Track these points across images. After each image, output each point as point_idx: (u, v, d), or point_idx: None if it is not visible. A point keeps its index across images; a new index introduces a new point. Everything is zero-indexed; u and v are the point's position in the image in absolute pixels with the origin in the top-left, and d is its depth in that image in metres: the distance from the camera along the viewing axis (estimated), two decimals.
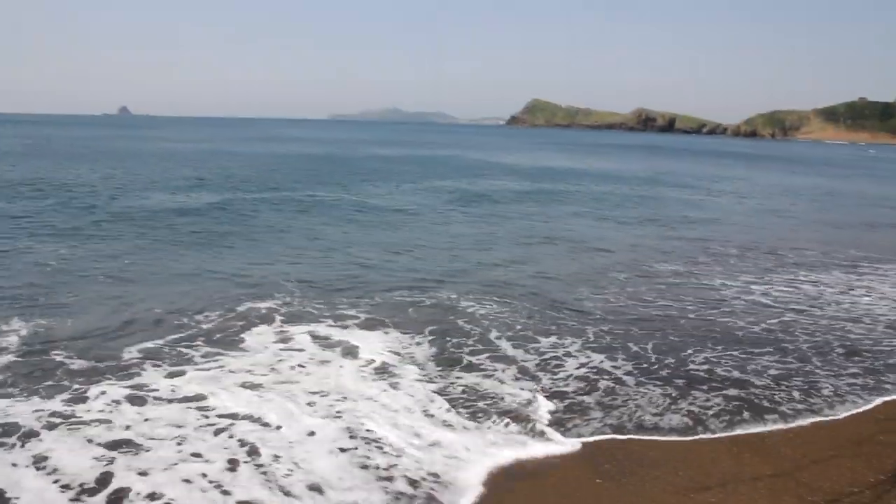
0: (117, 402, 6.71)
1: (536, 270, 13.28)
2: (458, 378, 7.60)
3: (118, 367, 7.64)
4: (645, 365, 8.28)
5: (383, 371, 7.78)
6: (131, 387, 7.09)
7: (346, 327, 9.31)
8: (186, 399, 6.84)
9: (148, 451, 5.67)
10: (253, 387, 7.23)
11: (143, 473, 5.32)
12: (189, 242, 15.17)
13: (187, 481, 5.24)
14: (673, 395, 7.36)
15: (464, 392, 7.19)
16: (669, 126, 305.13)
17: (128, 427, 6.12)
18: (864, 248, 17.49)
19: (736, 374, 8.04)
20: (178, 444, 5.90)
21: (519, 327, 9.51)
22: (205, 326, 9.16)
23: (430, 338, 8.91)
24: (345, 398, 6.94)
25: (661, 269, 13.84)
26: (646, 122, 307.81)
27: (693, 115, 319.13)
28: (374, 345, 8.50)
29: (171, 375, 7.43)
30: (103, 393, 6.90)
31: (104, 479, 5.22)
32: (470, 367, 7.99)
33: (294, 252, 14.46)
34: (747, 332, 9.66)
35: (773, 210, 26.09)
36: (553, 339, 9.16)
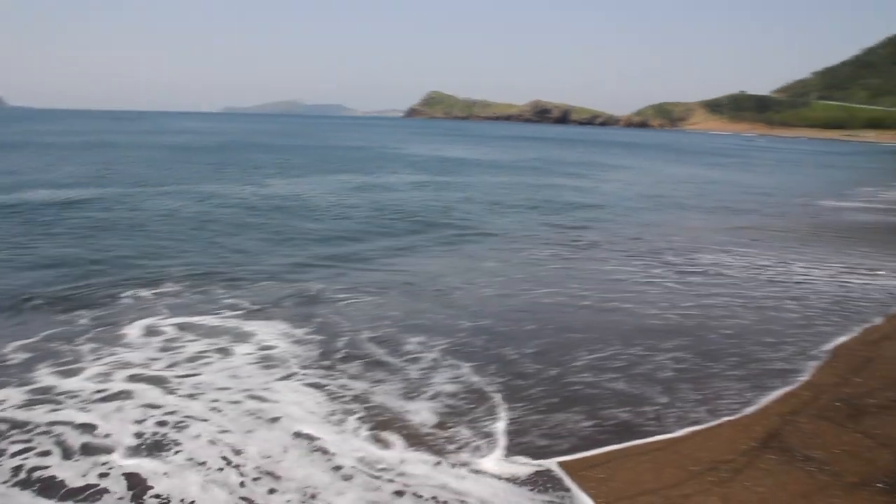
0: None
1: (415, 260, 12.87)
2: (329, 379, 6.96)
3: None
4: (516, 374, 7.62)
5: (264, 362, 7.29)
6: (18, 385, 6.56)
7: (223, 317, 8.87)
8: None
9: None
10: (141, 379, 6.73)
11: None
12: (70, 234, 14.17)
13: None
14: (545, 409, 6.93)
15: (333, 398, 6.51)
16: (564, 117, 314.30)
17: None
18: (732, 233, 18.11)
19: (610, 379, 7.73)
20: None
21: (388, 323, 8.92)
22: (86, 319, 8.64)
23: (305, 334, 8.28)
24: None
25: (542, 255, 13.69)
26: (541, 114, 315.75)
27: (587, 106, 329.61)
28: (243, 347, 7.79)
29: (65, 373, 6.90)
30: None
31: None
32: (334, 370, 7.17)
33: (175, 243, 13.63)
34: (618, 324, 9.46)
35: (657, 195, 26.82)
36: (421, 337, 8.33)
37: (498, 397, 6.60)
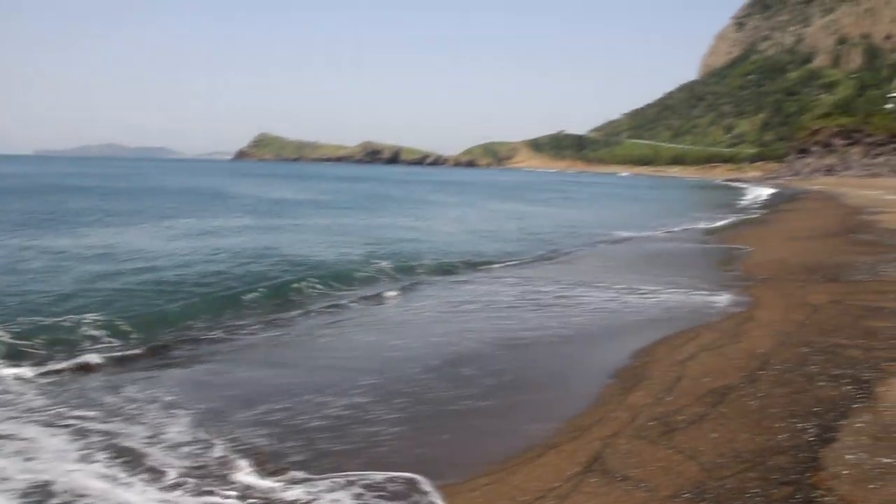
0: None
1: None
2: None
3: None
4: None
5: None
6: None
7: None
8: None
9: None
10: None
11: None
12: None
13: None
14: None
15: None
16: (395, 158, 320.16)
17: None
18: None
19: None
20: None
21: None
22: None
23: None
24: None
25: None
26: (372, 155, 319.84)
27: (417, 147, 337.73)
28: None
29: None
30: None
31: None
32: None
33: None
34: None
35: (482, 231, 27.92)
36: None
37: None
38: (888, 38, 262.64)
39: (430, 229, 28.21)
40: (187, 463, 6.04)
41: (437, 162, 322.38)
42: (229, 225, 27.13)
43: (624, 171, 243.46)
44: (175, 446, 6.38)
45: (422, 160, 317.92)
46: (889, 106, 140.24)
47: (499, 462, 6.14)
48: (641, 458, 5.98)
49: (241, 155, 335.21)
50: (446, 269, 17.25)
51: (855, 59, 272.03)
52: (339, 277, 15.27)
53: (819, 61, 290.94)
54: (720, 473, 5.54)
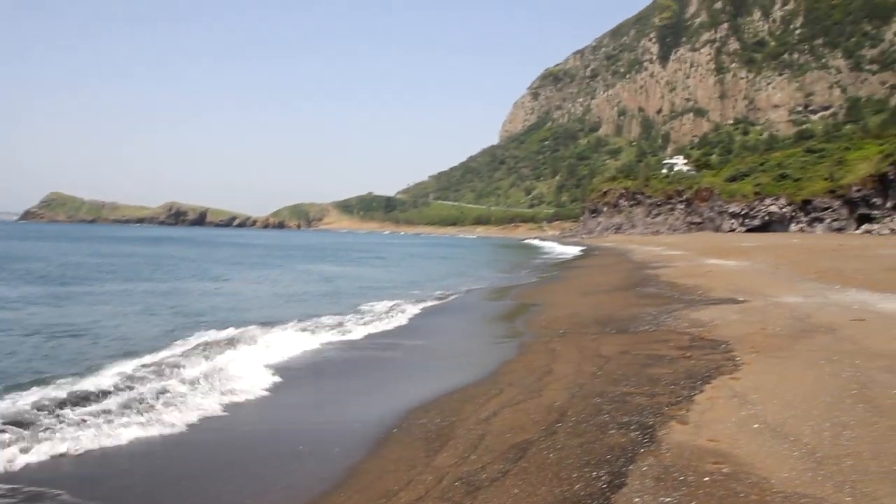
0: None
1: None
2: None
3: None
4: None
5: None
6: None
7: None
8: None
9: None
10: None
11: None
12: None
13: None
14: None
15: None
16: (201, 219, 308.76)
17: None
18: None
19: None
20: None
21: None
22: None
23: None
24: None
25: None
26: (177, 216, 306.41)
27: (224, 208, 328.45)
28: None
29: None
30: None
31: None
32: None
33: None
34: None
35: (287, 294, 27.42)
36: None
37: None
38: (659, 112, 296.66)
39: (232, 292, 27.20)
40: None
41: (246, 223, 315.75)
42: (9, 295, 24.40)
43: (437, 232, 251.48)
44: None
45: (229, 222, 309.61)
46: (664, 171, 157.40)
47: None
48: None
49: (28, 215, 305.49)
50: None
51: (634, 129, 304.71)
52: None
53: (604, 130, 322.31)
54: None
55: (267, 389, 11.34)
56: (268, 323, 18.29)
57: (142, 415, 9.47)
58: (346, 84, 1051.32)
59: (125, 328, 17.68)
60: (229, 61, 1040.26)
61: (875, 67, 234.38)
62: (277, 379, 12.01)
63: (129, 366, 12.15)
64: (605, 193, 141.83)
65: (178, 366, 12.38)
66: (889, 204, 76.41)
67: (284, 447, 8.58)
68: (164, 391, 10.60)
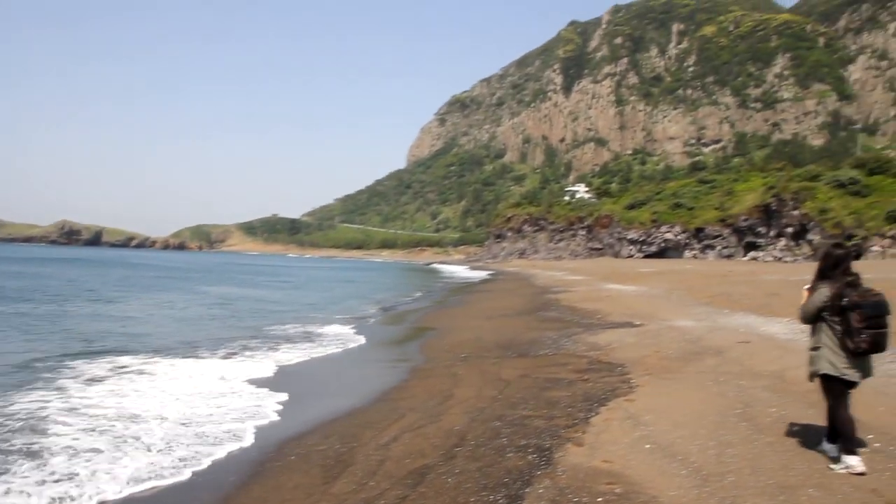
0: None
1: None
2: None
3: None
4: None
5: None
6: None
7: None
8: None
9: None
10: None
11: None
12: None
13: None
14: None
15: None
16: (97, 239, 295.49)
17: None
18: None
19: None
20: None
21: None
22: None
23: None
24: None
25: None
26: (70, 235, 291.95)
27: (122, 228, 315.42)
28: None
29: None
30: None
31: None
32: None
33: None
34: None
35: (187, 318, 26.47)
36: None
37: None
38: (562, 140, 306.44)
39: (119, 316, 26.01)
40: None
41: (145, 244, 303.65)
42: None
43: (343, 255, 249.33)
44: None
45: (127, 242, 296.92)
46: (566, 198, 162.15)
47: None
48: None
49: None
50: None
51: (538, 157, 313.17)
52: None
53: (509, 157, 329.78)
54: None
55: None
56: (161, 351, 17.57)
57: None
58: (251, 105, 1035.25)
59: None
60: (126, 68, 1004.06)
61: (759, 105, 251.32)
62: None
63: None
64: (509, 219, 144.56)
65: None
66: (772, 233, 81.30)
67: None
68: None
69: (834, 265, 7.14)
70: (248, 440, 9.81)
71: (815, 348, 7.20)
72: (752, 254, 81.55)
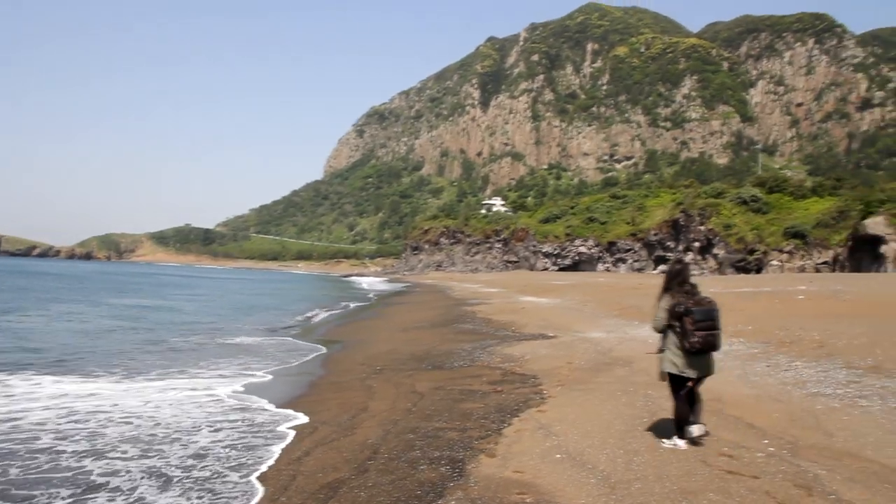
0: None
1: None
2: None
3: None
4: None
5: None
6: None
7: None
8: None
9: None
10: None
11: None
12: None
13: None
14: None
15: None
16: None
17: None
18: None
19: None
20: None
21: None
22: None
23: None
24: None
25: None
26: None
27: (22, 236, 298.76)
28: None
29: None
30: None
31: None
32: None
33: None
34: None
35: (91, 331, 25.33)
36: None
37: None
38: (479, 154, 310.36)
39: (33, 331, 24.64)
40: None
41: (48, 253, 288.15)
42: None
43: (258, 266, 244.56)
44: None
45: (28, 251, 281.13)
46: (483, 211, 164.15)
47: None
48: None
49: None
50: None
51: (456, 170, 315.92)
52: None
53: (427, 170, 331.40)
54: None
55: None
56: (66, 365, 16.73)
57: None
58: (162, 107, 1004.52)
59: None
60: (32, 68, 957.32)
61: (668, 125, 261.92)
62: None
63: None
64: (426, 231, 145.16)
65: None
66: (681, 247, 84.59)
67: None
68: None
69: (673, 278, 8.20)
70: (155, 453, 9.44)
71: (661, 350, 8.20)
72: (661, 267, 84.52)
